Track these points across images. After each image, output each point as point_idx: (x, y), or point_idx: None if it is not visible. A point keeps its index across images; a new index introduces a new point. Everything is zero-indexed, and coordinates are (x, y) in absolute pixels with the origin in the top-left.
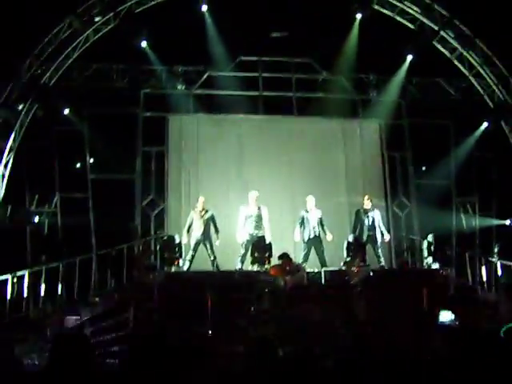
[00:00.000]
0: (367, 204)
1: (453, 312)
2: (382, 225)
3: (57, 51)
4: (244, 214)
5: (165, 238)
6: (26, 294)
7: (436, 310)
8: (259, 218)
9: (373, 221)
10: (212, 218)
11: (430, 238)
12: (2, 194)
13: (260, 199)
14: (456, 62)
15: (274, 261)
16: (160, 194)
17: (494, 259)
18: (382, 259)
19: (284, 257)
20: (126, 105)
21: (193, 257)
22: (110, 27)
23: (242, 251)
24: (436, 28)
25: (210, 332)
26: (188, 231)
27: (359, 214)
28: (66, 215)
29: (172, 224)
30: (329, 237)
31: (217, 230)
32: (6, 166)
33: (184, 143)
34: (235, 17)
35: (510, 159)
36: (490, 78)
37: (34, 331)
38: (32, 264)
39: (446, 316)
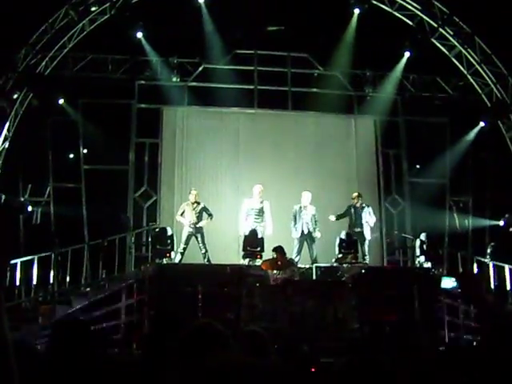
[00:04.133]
0: (356, 201)
1: (455, 279)
2: (372, 216)
3: (52, 41)
4: (247, 208)
5: (157, 229)
6: (18, 283)
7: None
8: (261, 212)
9: (361, 218)
10: (204, 208)
11: (423, 236)
12: None
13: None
14: (454, 60)
15: (267, 255)
16: (153, 185)
17: (486, 260)
18: (368, 257)
19: (278, 249)
20: (121, 96)
21: (184, 249)
22: (105, 17)
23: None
24: (435, 25)
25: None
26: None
27: (348, 211)
28: (59, 205)
29: (164, 216)
30: (317, 234)
31: (210, 216)
32: (0, 155)
33: (178, 135)
34: (232, 10)
35: (505, 159)
36: (489, 77)
37: (25, 320)
38: (24, 253)
39: (448, 283)
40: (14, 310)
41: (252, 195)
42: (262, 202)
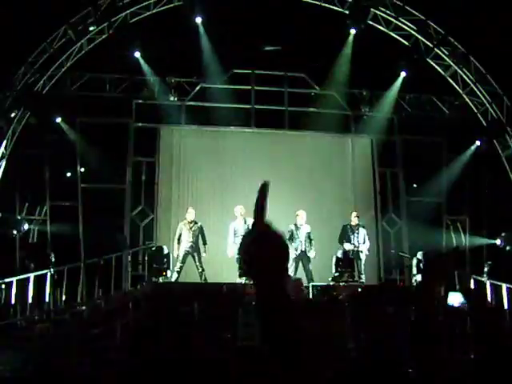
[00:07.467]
0: (354, 220)
1: (463, 295)
2: (366, 241)
3: (50, 60)
4: (233, 229)
5: (153, 248)
6: (13, 302)
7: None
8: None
9: (358, 237)
10: (201, 230)
11: (420, 255)
12: None
13: (249, 212)
14: (450, 80)
15: None
16: (150, 204)
17: (483, 279)
18: (363, 276)
19: None
20: (118, 115)
21: (181, 268)
22: (103, 37)
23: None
24: (430, 45)
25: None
26: (178, 242)
27: (345, 230)
28: (56, 224)
29: (161, 235)
30: (312, 254)
31: (205, 242)
32: None
33: (175, 155)
34: (229, 29)
35: (501, 178)
36: (484, 96)
37: (20, 339)
38: (20, 271)
39: (455, 299)
40: (8, 329)
41: (236, 217)
42: (245, 222)
